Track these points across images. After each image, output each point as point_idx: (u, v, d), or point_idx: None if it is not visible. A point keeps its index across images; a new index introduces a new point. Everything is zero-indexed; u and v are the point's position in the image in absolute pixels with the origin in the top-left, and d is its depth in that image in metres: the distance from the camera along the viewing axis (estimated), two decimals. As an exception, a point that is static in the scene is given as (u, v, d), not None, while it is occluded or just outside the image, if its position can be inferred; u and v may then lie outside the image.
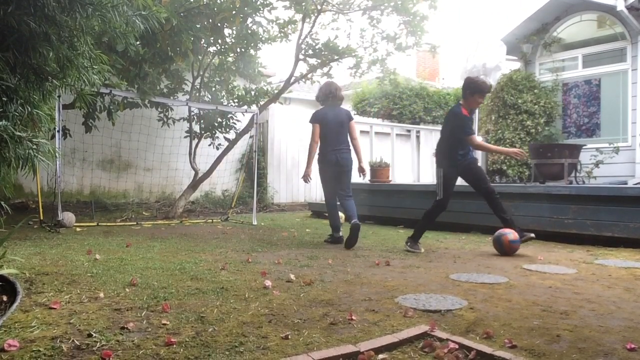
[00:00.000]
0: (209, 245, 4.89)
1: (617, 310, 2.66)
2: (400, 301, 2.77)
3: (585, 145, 8.26)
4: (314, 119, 5.38)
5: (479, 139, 5.04)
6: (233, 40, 7.63)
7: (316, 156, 5.45)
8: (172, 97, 7.65)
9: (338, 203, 5.39)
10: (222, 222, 7.52)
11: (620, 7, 8.11)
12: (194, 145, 8.23)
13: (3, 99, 2.38)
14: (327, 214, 5.62)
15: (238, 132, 8.54)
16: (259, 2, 7.05)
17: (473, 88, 4.71)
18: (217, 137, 8.47)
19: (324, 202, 5.62)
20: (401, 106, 12.88)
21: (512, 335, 2.19)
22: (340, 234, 5.33)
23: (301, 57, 8.32)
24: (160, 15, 3.05)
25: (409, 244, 4.81)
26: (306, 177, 5.40)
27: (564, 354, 1.99)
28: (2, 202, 2.62)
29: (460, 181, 4.89)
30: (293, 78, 8.46)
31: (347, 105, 14.41)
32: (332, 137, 5.25)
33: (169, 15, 5.56)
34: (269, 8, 7.36)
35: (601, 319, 2.50)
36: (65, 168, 8.23)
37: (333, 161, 5.24)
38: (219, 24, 6.96)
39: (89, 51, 2.74)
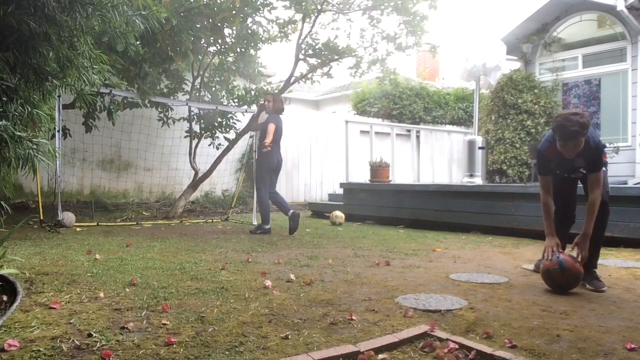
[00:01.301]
0: (209, 245, 4.89)
1: (617, 310, 2.66)
2: (400, 301, 2.78)
3: (585, 145, 8.24)
4: (275, 121, 6.05)
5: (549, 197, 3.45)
6: (233, 40, 7.63)
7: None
8: (172, 97, 7.65)
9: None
10: (222, 222, 7.52)
11: (620, 7, 8.11)
12: (194, 145, 8.23)
13: (3, 98, 2.38)
14: (263, 209, 6.23)
15: (238, 132, 8.54)
16: (259, 2, 7.05)
17: (553, 130, 3.24)
18: (217, 137, 8.46)
19: (261, 198, 6.19)
20: (401, 106, 12.89)
21: (512, 335, 2.19)
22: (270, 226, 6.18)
23: (301, 57, 8.31)
24: (160, 15, 3.05)
25: (589, 284, 3.29)
26: (266, 147, 5.83)
27: (564, 354, 1.99)
28: (2, 202, 2.61)
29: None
30: (293, 78, 8.46)
31: (347, 106, 14.54)
32: (278, 141, 6.12)
33: (169, 15, 5.56)
34: (269, 8, 7.36)
35: (601, 318, 2.50)
36: (65, 168, 8.23)
37: (276, 162, 6.08)
38: (219, 24, 6.96)
39: (89, 51, 2.74)
